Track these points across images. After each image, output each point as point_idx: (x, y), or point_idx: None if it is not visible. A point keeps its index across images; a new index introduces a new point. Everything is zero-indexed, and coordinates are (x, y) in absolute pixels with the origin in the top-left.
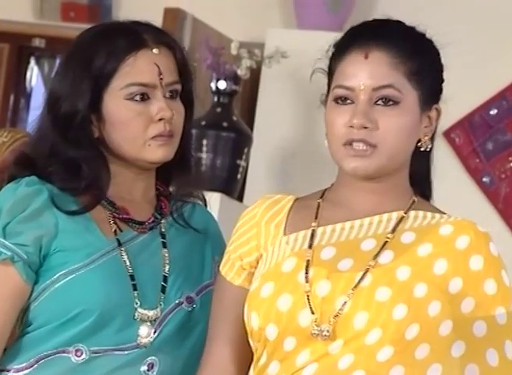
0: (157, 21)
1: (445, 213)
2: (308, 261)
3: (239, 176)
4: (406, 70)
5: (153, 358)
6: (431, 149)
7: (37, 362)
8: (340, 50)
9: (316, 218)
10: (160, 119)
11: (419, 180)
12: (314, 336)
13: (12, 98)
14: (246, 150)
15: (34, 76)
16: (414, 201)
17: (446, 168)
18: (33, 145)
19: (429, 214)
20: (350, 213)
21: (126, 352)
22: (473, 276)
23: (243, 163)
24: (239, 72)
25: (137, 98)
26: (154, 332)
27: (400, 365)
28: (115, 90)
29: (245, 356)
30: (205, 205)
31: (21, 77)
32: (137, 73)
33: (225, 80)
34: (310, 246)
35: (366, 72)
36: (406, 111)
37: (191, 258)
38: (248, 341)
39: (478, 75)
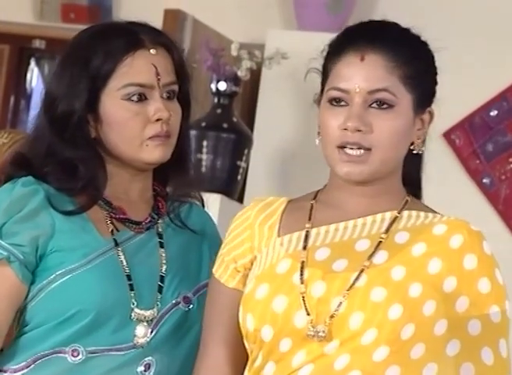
0: (157, 22)
1: (438, 213)
2: (303, 262)
3: (239, 177)
4: (401, 74)
5: (150, 358)
6: (422, 151)
7: (34, 362)
8: (336, 51)
9: (310, 219)
10: (157, 120)
11: (410, 180)
12: (309, 337)
13: (12, 99)
14: (246, 151)
15: (35, 77)
16: (407, 201)
17: (447, 169)
18: (29, 145)
19: (422, 214)
20: (344, 214)
21: (122, 352)
22: (467, 275)
23: (243, 164)
24: (239, 73)
25: (134, 98)
26: (151, 332)
27: (395, 365)
28: (113, 90)
29: (240, 358)
30: (203, 206)
31: (21, 78)
32: (135, 74)
33: (225, 81)
34: (304, 247)
35: (362, 75)
36: (400, 114)
37: (188, 258)
38: (243, 343)
39: (479, 76)
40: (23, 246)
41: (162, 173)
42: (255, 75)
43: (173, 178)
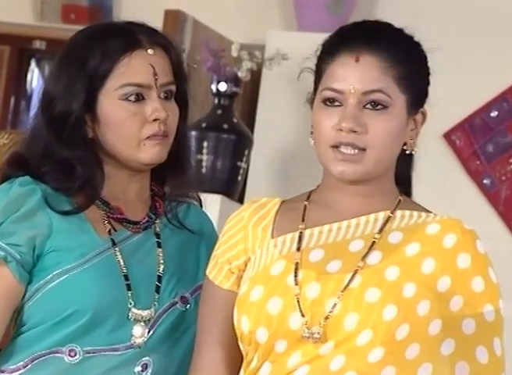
0: (157, 23)
1: (431, 211)
2: (297, 263)
3: (239, 178)
4: (395, 75)
5: (147, 358)
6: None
7: (31, 362)
8: (330, 51)
9: (303, 220)
10: (154, 120)
11: (401, 179)
12: (304, 338)
13: (12, 100)
14: (246, 152)
15: (35, 78)
16: (400, 201)
17: (447, 170)
18: (27, 145)
19: (416, 213)
20: (337, 215)
21: (119, 353)
22: (461, 274)
23: (243, 165)
24: (239, 74)
25: (132, 98)
26: (148, 332)
27: (391, 365)
28: (110, 90)
29: (235, 359)
30: (200, 206)
31: (22, 79)
32: (132, 74)
33: (225, 82)
34: (298, 249)
35: (356, 75)
36: (394, 115)
37: (186, 258)
38: (238, 344)
39: (479, 76)
40: (20, 246)
41: (160, 173)
42: (255, 76)
43: (171, 178)
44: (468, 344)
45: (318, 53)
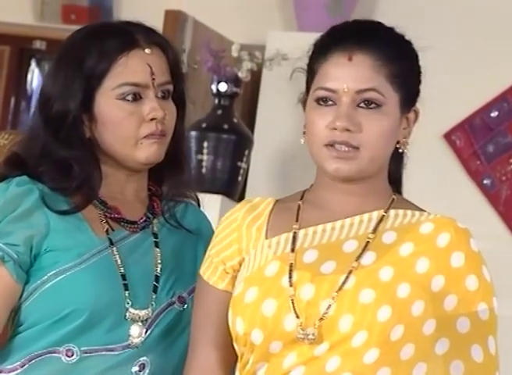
0: (158, 23)
1: (424, 210)
2: (291, 265)
3: (239, 178)
4: (388, 73)
5: (144, 358)
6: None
7: (28, 362)
8: (322, 51)
9: (297, 220)
10: (152, 119)
11: (393, 178)
12: (299, 340)
13: (12, 100)
14: (246, 152)
15: (35, 78)
16: (393, 200)
17: (447, 170)
18: (24, 145)
19: (409, 212)
20: (331, 214)
21: (117, 352)
22: (454, 273)
23: (243, 165)
24: (239, 74)
25: (129, 97)
26: (146, 332)
27: (386, 366)
28: (107, 90)
29: (230, 359)
30: (198, 205)
31: (22, 79)
32: (129, 73)
33: (225, 82)
34: (292, 249)
35: (350, 74)
36: (388, 114)
37: (183, 258)
38: (233, 345)
39: (479, 77)
40: (17, 246)
41: (158, 173)
42: (256, 76)
43: (168, 178)
44: (463, 343)
45: (310, 53)
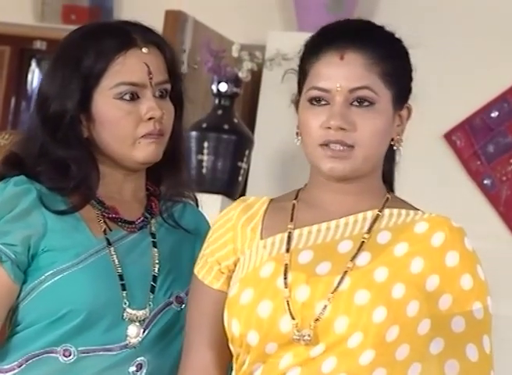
0: (158, 23)
1: (419, 209)
2: (286, 265)
3: (240, 178)
4: (380, 71)
5: (142, 358)
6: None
7: (25, 362)
8: (313, 51)
9: (292, 220)
10: (150, 119)
11: (386, 177)
12: (295, 341)
13: (13, 100)
14: (247, 152)
15: (35, 78)
16: (387, 199)
17: (447, 170)
18: (22, 145)
19: (404, 211)
20: (326, 214)
21: (114, 353)
22: (449, 272)
23: (244, 165)
24: (240, 74)
25: (127, 97)
26: (143, 332)
27: (381, 367)
28: (105, 89)
29: (225, 359)
30: (197, 205)
31: (22, 80)
32: (127, 73)
33: (226, 82)
34: (287, 250)
35: (342, 73)
36: (381, 112)
37: (181, 258)
38: (228, 344)
39: (479, 77)
40: (14, 246)
41: (156, 173)
42: (256, 76)
43: (166, 178)
44: (458, 343)
45: (301, 54)
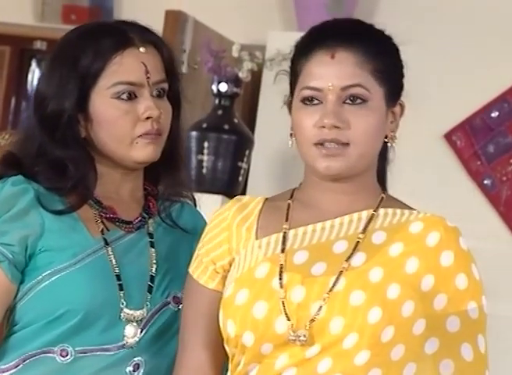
0: (158, 23)
1: (414, 209)
2: (281, 266)
3: (240, 178)
4: (371, 69)
5: (139, 358)
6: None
7: (22, 362)
8: (304, 51)
9: (287, 220)
10: (147, 118)
11: (380, 176)
12: (291, 341)
13: (13, 100)
14: (247, 152)
15: (36, 78)
16: (382, 198)
17: (447, 170)
18: (20, 145)
19: (399, 211)
20: (321, 214)
21: (111, 353)
22: (444, 272)
23: (244, 165)
24: (240, 74)
25: (124, 96)
26: (141, 332)
27: (377, 367)
28: (102, 89)
29: (220, 359)
30: (195, 205)
31: (22, 80)
32: (124, 72)
33: (226, 82)
34: (282, 250)
35: (333, 72)
36: (374, 109)
37: (179, 258)
38: (223, 344)
39: (479, 77)
40: (12, 245)
41: (153, 173)
42: (256, 76)
43: (164, 177)
44: (453, 342)
45: (292, 55)
